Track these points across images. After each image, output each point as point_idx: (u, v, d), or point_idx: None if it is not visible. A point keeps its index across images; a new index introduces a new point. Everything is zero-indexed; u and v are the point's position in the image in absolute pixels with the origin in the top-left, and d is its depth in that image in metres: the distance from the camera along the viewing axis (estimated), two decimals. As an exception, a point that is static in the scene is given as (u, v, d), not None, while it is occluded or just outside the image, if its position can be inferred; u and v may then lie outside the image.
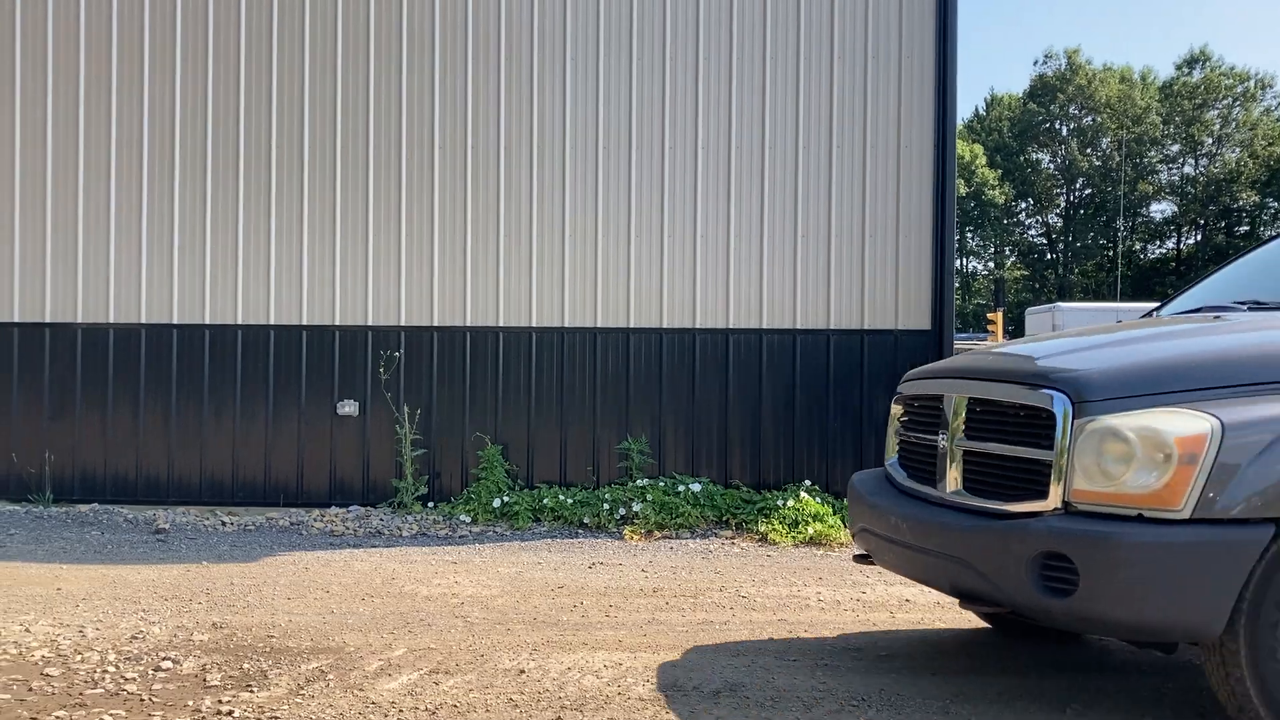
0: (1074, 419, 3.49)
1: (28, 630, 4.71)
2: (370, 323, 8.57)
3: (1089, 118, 51.78)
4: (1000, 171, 51.39)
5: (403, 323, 8.57)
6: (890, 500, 4.20)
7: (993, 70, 76.88)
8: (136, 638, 4.61)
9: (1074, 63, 52.13)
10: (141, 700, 3.80)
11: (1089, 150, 51.79)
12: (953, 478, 3.92)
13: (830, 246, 8.64)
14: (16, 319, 8.65)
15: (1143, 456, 3.30)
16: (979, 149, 50.42)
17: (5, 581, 5.77)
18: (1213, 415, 3.29)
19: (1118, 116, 50.53)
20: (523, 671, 4.19)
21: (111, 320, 8.62)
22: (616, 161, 8.66)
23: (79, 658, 4.30)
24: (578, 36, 8.67)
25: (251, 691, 3.92)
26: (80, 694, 3.84)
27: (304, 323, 8.57)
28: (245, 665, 4.25)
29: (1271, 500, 3.20)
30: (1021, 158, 52.53)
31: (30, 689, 3.89)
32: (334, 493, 8.57)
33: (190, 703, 3.78)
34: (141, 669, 4.17)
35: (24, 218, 8.65)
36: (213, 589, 5.65)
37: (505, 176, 8.65)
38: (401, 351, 8.55)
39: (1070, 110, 52.16)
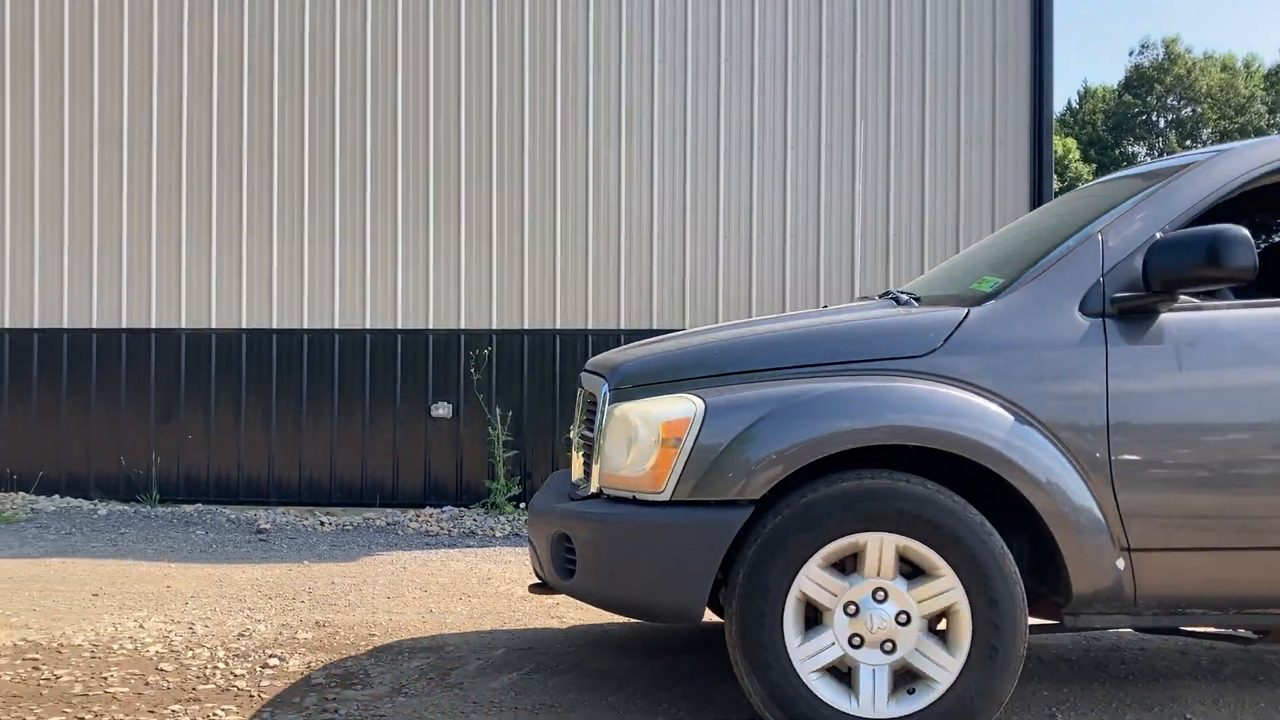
0: (608, 405, 3.55)
1: (141, 626, 4.87)
2: (463, 326, 8.69)
3: (1188, 109, 50.24)
4: (1095, 165, 50.10)
5: (494, 326, 8.67)
6: (539, 493, 4.22)
7: (1085, 62, 75.03)
8: (244, 635, 4.74)
9: (1172, 52, 50.61)
10: (251, 696, 3.90)
11: (1188, 142, 50.23)
12: (575, 466, 3.97)
13: (924, 247, 8.51)
14: (124, 325, 8.96)
15: (640, 440, 3.35)
16: (1072, 143, 49.20)
17: (119, 578, 5.98)
18: (700, 399, 3.30)
19: (1219, 107, 48.93)
20: (619, 673, 4.20)
21: (214, 325, 8.88)
22: (704, 160, 8.65)
23: (190, 654, 4.43)
24: (697, 40, 8.68)
25: (355, 689, 3.99)
26: (193, 689, 3.96)
27: (399, 326, 8.73)
28: (348, 663, 4.33)
29: (750, 482, 3.18)
30: (1117, 151, 51.15)
31: (147, 683, 4.02)
32: (428, 493, 8.71)
33: (297, 699, 3.86)
34: (249, 666, 4.27)
35: (130, 227, 8.95)
36: (314, 588, 5.77)
37: (593, 180, 8.71)
38: (493, 353, 8.65)
39: (1169, 101, 50.66)
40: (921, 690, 3.20)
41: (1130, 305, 3.28)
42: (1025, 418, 3.22)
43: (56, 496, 8.94)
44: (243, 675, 4.15)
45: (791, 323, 3.80)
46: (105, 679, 4.06)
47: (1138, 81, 51.28)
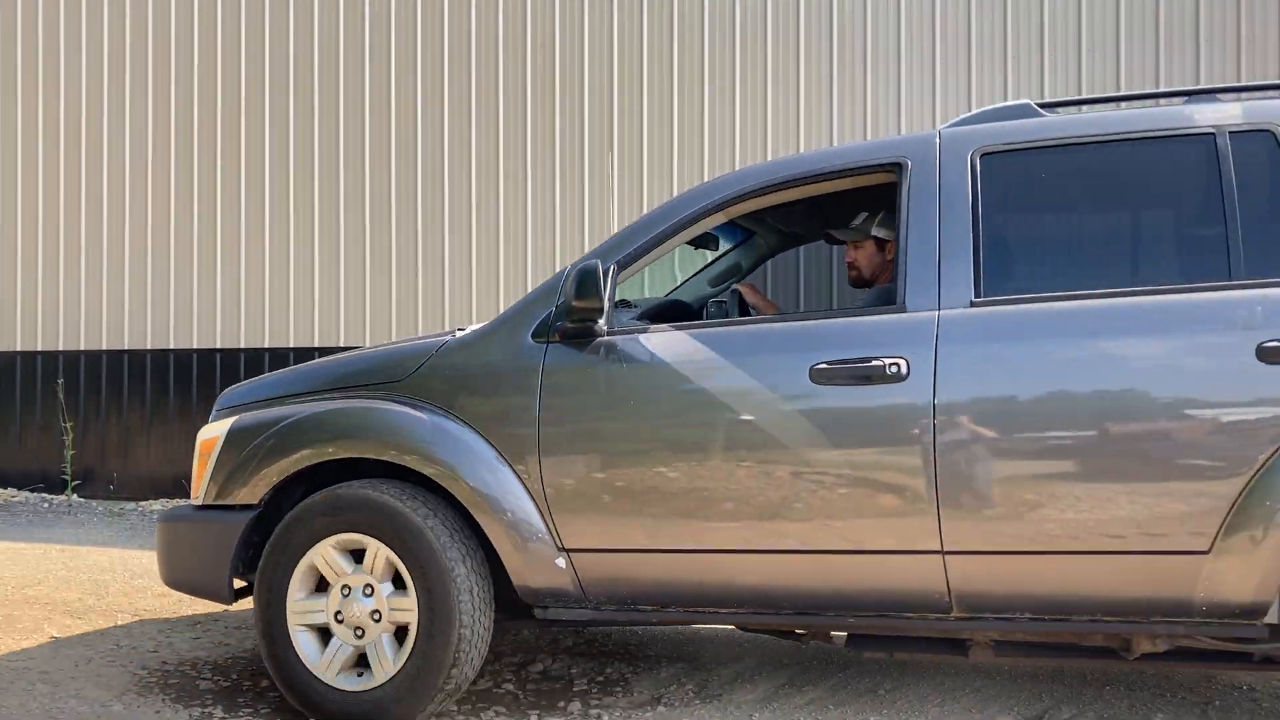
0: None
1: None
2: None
3: None
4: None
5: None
6: None
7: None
8: (511, 639, 4.92)
9: None
10: (517, 699, 4.06)
11: None
12: None
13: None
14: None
15: (196, 456, 4.08)
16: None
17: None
18: (232, 420, 4.02)
19: None
20: (876, 690, 4.11)
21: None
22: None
23: (459, 654, 4.65)
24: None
25: (616, 696, 4.08)
26: (468, 690, 4.15)
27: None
28: (608, 670, 4.43)
29: (250, 489, 3.86)
30: None
31: (422, 682, 4.25)
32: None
33: (562, 704, 3.99)
34: (515, 668, 4.45)
35: (371, 252, 9.50)
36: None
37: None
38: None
39: None
40: (366, 675, 3.69)
41: (564, 331, 3.65)
42: (470, 430, 3.67)
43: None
44: (510, 678, 4.32)
45: (355, 352, 4.42)
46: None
47: None
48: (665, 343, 3.59)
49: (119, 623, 5.14)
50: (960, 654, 3.53)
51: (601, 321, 3.59)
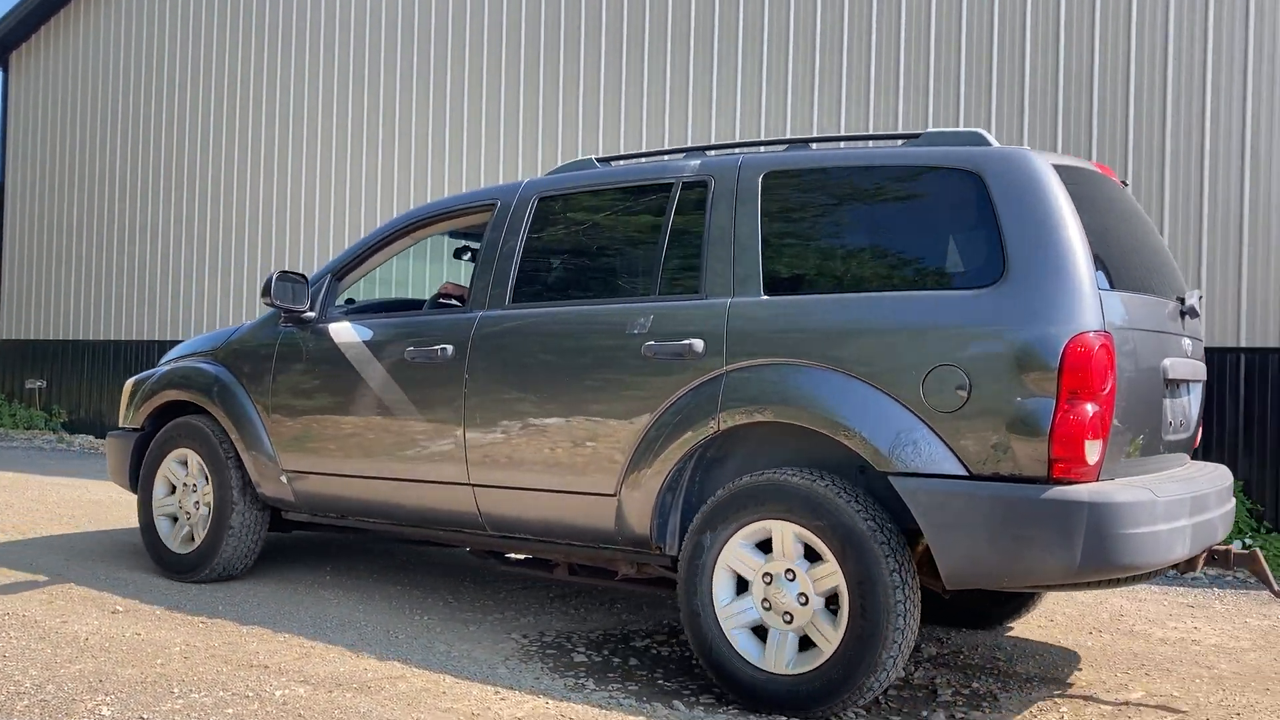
0: None
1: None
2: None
3: None
4: None
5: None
6: None
7: None
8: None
9: None
10: (878, 703, 3.96)
11: None
12: None
13: None
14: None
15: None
16: None
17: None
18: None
19: None
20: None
21: None
22: None
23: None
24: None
25: (982, 711, 3.89)
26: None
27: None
28: (975, 685, 4.23)
29: (136, 418, 5.80)
30: None
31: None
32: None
33: (924, 713, 3.86)
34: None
35: None
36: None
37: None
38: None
39: None
40: None
41: (288, 318, 5.20)
42: (239, 383, 5.33)
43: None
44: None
45: (200, 335, 6.86)
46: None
47: None
48: (338, 328, 5.04)
49: (501, 594, 5.55)
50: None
51: (310, 312, 5.08)
